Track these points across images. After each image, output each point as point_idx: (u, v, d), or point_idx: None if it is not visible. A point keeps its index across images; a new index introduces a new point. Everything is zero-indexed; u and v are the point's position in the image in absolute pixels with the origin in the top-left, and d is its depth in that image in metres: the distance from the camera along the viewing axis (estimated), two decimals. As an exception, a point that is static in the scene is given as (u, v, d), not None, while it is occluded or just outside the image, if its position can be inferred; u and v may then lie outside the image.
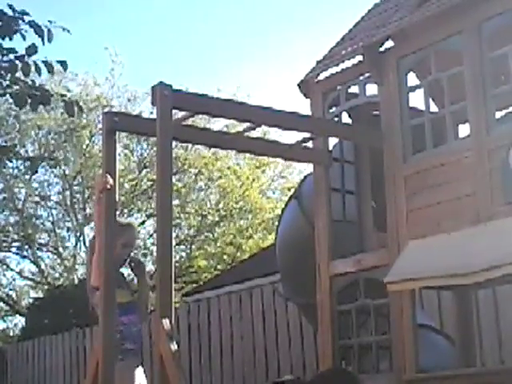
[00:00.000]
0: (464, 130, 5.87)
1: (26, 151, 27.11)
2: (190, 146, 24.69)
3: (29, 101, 6.74)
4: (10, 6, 6.69)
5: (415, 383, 5.28)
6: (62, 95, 7.19)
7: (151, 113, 21.51)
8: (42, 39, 6.59)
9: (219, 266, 26.62)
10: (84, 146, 26.69)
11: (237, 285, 14.22)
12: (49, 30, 6.59)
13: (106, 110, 21.22)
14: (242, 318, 11.43)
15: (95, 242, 5.16)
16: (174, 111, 4.91)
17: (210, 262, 27.37)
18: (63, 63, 6.85)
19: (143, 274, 5.42)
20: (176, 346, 4.53)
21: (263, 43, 40.88)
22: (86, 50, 37.44)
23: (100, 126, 22.05)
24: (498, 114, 5.48)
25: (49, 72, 6.77)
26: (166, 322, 4.51)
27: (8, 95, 6.96)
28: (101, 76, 27.68)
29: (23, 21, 6.66)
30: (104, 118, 5.32)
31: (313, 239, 6.05)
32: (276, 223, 7.53)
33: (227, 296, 12.08)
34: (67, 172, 27.13)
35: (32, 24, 6.62)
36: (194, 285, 23.12)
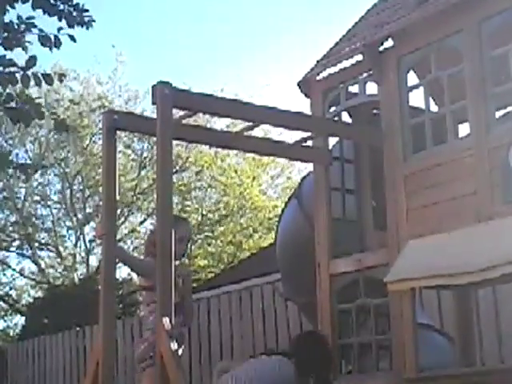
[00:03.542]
0: (464, 129, 5.87)
1: (26, 150, 27.12)
2: (190, 144, 24.65)
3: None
4: (19, 18, 6.75)
5: (415, 382, 5.27)
6: (53, 113, 7.33)
7: (153, 112, 21.48)
8: (50, 48, 6.70)
9: (219, 265, 26.60)
10: (85, 145, 26.67)
11: (237, 284, 14.19)
12: (56, 37, 6.68)
13: (107, 109, 21.21)
14: (242, 317, 11.43)
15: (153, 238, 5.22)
16: (174, 110, 4.90)
17: (210, 261, 27.36)
18: (61, 75, 6.98)
19: (189, 286, 5.57)
20: (176, 345, 4.53)
21: (263, 44, 40.87)
22: (87, 48, 37.38)
23: (101, 125, 22.01)
24: (498, 114, 5.48)
25: (47, 84, 6.84)
26: (166, 321, 4.51)
27: (3, 111, 7.06)
28: (103, 75, 27.67)
29: (30, 31, 6.73)
30: (104, 117, 5.32)
31: (313, 238, 6.05)
32: (276, 222, 7.53)
33: (227, 295, 12.07)
34: (67, 171, 27.11)
35: (39, 35, 6.71)
36: (194, 284, 23.12)
